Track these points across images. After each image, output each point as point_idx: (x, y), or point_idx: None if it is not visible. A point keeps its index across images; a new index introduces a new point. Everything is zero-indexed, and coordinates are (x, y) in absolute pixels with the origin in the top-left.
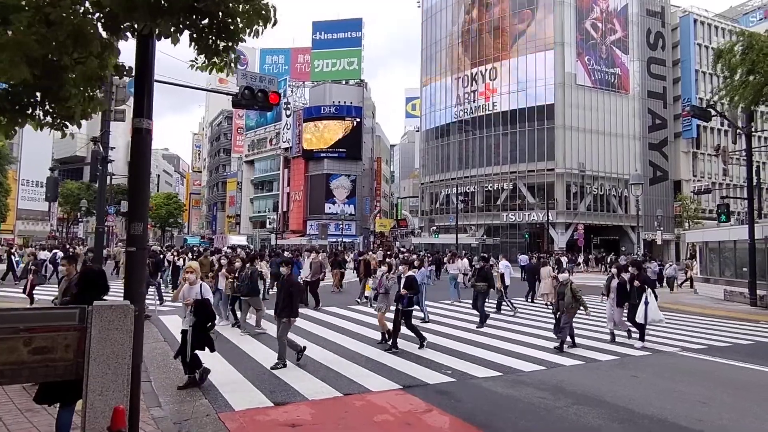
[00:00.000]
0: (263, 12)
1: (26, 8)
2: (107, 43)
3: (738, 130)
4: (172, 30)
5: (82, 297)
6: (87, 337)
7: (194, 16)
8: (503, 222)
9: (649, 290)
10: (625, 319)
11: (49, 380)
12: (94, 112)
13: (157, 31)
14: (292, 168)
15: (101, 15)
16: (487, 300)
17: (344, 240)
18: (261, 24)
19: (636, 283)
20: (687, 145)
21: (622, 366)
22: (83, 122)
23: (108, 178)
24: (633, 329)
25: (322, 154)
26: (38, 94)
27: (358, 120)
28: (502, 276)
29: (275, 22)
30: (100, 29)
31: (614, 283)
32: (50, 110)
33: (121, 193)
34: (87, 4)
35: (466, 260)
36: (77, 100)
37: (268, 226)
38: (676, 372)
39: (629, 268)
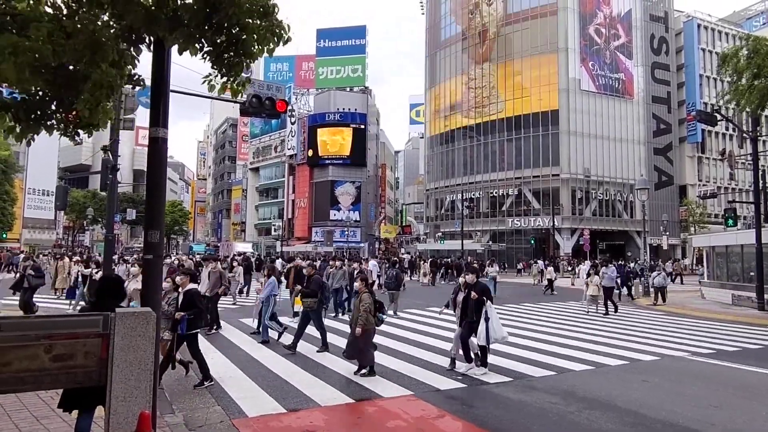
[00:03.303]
0: (277, 30)
1: (46, 20)
2: (123, 52)
3: (744, 135)
4: (188, 41)
5: (99, 304)
6: (110, 344)
7: (209, 32)
8: (509, 228)
9: (489, 303)
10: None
11: (69, 387)
12: (107, 120)
13: (174, 43)
14: (297, 175)
15: (119, 27)
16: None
17: (350, 246)
18: (275, 41)
19: (473, 295)
20: (692, 149)
21: (632, 371)
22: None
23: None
24: (473, 353)
25: (327, 161)
26: (53, 104)
27: (362, 127)
28: (371, 274)
29: (288, 40)
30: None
31: (461, 296)
32: (62, 118)
33: (126, 201)
34: (105, 17)
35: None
36: (90, 108)
37: (273, 233)
38: (686, 376)
39: (466, 276)
